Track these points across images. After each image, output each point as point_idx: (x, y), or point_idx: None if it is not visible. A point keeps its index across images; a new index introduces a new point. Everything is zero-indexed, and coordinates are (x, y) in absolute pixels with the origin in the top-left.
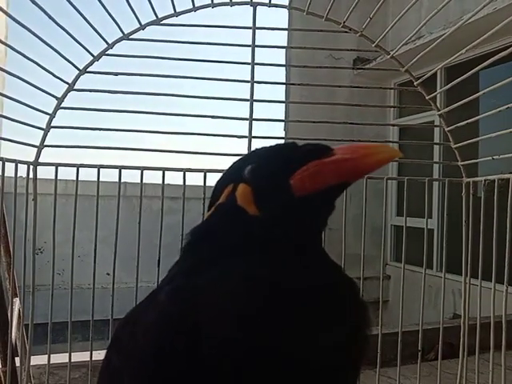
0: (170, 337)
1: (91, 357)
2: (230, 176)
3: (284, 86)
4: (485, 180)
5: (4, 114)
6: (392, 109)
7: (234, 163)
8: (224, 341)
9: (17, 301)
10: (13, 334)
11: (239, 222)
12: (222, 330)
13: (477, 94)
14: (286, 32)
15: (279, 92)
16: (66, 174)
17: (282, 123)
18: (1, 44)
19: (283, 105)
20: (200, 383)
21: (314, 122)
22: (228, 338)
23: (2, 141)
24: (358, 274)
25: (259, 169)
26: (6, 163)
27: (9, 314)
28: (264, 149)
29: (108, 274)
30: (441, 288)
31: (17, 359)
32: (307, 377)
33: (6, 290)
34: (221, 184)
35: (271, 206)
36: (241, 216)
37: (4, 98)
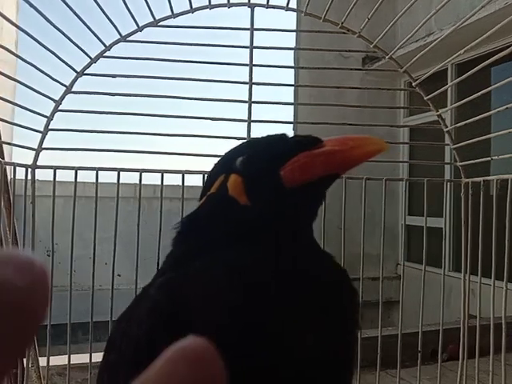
0: (160, 327)
1: (90, 358)
2: (222, 166)
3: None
4: (483, 180)
5: (2, 117)
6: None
7: (226, 154)
8: (211, 329)
9: None
10: None
11: (230, 211)
12: (209, 318)
13: (474, 96)
14: (293, 32)
15: (288, 92)
16: (81, 175)
17: (290, 124)
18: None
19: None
20: None
21: (313, 124)
22: (215, 325)
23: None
24: (368, 273)
25: (250, 159)
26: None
27: None
28: (255, 140)
29: (119, 276)
30: (453, 288)
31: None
32: (301, 366)
33: None
34: (212, 175)
35: (262, 196)
36: (232, 206)
37: (1, 101)
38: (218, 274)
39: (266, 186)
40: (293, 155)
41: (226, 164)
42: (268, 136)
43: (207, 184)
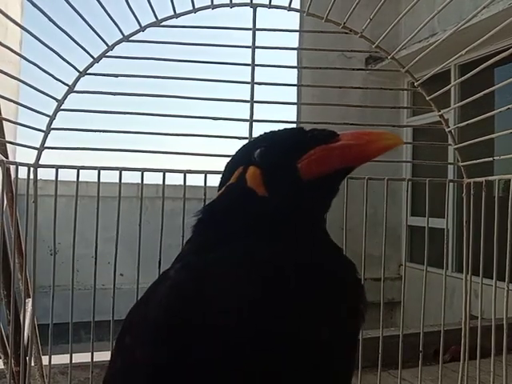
0: (180, 305)
1: (92, 357)
2: (240, 158)
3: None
4: (485, 180)
5: (5, 117)
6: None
7: (244, 146)
8: (228, 315)
9: (29, 301)
10: (25, 335)
11: (249, 202)
12: (227, 305)
13: (476, 96)
14: (296, 32)
15: (291, 91)
16: (85, 175)
17: (292, 124)
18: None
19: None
20: (207, 351)
21: (315, 123)
22: (231, 317)
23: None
24: (371, 274)
25: (269, 152)
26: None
27: (21, 315)
28: (273, 133)
29: (122, 275)
30: (455, 288)
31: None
32: (305, 349)
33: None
34: (231, 166)
35: (279, 188)
36: (250, 197)
37: (5, 101)
38: (235, 265)
39: (283, 178)
40: (310, 148)
41: (244, 156)
42: (285, 129)
43: (225, 175)
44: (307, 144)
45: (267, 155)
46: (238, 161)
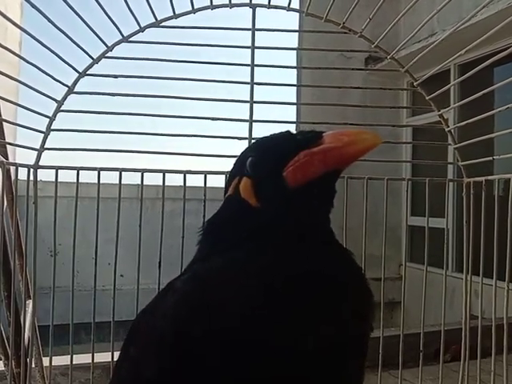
0: (187, 315)
1: (93, 358)
2: (237, 169)
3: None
4: (485, 180)
5: (5, 118)
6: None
7: (240, 155)
8: (231, 320)
9: (30, 303)
10: (26, 336)
11: (243, 214)
12: (230, 310)
13: (475, 95)
14: (296, 32)
15: (291, 91)
16: (85, 176)
17: (292, 124)
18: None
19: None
20: (214, 358)
21: (315, 123)
22: (236, 317)
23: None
24: (371, 274)
25: (257, 162)
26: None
27: (22, 316)
28: (262, 140)
29: (122, 276)
30: (456, 288)
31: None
32: (310, 355)
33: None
34: (230, 176)
35: (269, 198)
36: (244, 209)
37: (5, 102)
38: (229, 276)
39: (271, 187)
40: (294, 154)
41: (240, 166)
42: (273, 135)
43: (226, 185)
44: (292, 150)
45: (256, 165)
46: (235, 171)
